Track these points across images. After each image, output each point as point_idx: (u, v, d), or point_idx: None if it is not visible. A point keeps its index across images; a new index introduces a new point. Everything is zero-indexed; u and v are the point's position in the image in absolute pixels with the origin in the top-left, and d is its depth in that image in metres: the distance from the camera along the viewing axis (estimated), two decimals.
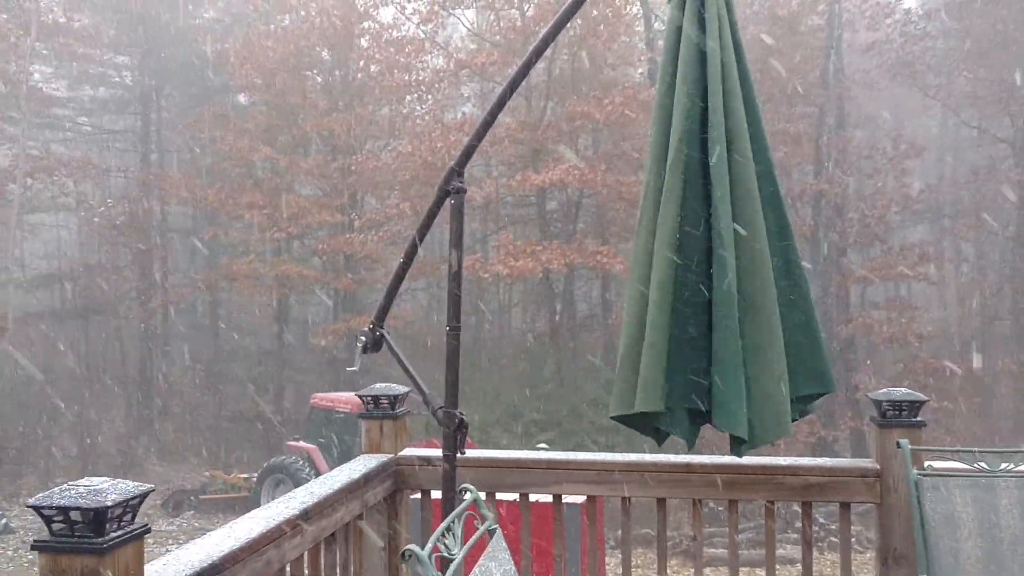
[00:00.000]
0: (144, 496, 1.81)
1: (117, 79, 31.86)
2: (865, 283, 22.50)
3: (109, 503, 1.70)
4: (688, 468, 3.24)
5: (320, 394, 19.30)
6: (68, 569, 1.71)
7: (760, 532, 14.10)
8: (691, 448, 2.66)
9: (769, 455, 3.37)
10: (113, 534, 1.72)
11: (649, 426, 2.59)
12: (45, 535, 1.73)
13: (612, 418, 2.56)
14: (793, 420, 2.50)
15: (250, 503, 17.52)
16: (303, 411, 20.67)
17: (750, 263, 2.40)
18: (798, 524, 14.76)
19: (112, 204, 27.63)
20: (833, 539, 14.37)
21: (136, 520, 1.81)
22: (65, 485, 1.77)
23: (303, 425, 19.45)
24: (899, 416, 3.08)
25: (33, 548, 1.74)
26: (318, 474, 16.66)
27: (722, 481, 3.19)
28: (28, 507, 1.77)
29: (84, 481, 1.79)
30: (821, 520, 14.92)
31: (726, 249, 2.39)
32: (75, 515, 1.70)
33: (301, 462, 17.50)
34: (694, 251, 2.44)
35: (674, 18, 2.55)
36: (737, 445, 2.45)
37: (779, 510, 3.17)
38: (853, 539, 3.38)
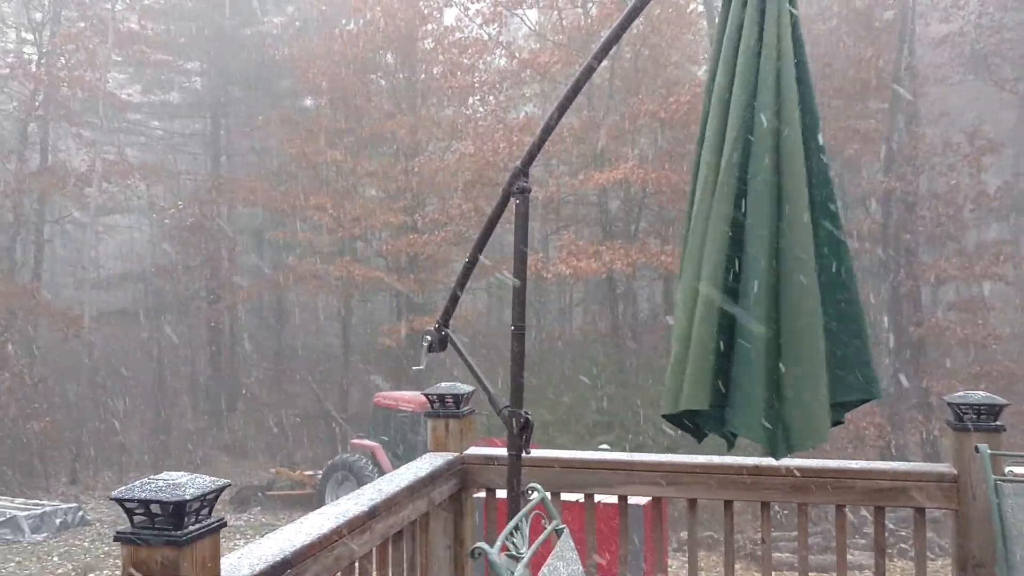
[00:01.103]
0: (220, 491, 1.85)
1: (188, 84, 32.73)
2: (938, 284, 21.87)
3: (188, 497, 1.75)
4: (756, 471, 3.19)
5: (384, 393, 19.52)
6: (148, 560, 1.75)
7: (826, 537, 13.82)
8: (730, 449, 2.63)
9: (839, 458, 3.30)
10: (191, 527, 1.77)
11: (692, 424, 2.58)
12: (126, 527, 1.78)
13: (663, 416, 2.55)
14: (832, 425, 2.45)
15: (315, 500, 17.81)
16: (367, 409, 20.92)
17: (795, 267, 2.36)
18: (866, 530, 14.45)
19: (183, 206, 28.36)
20: (903, 546, 14.01)
21: (212, 514, 1.85)
22: (146, 479, 1.81)
23: (367, 423, 19.70)
24: (977, 420, 2.99)
25: (116, 539, 1.79)
26: (381, 472, 16.86)
27: (791, 484, 3.14)
28: (111, 499, 1.82)
29: (163, 475, 1.83)
30: (890, 526, 14.57)
31: (766, 249, 2.36)
32: (155, 508, 1.75)
33: (365, 460, 17.72)
34: (741, 252, 2.41)
35: (733, 11, 2.52)
36: (773, 447, 2.41)
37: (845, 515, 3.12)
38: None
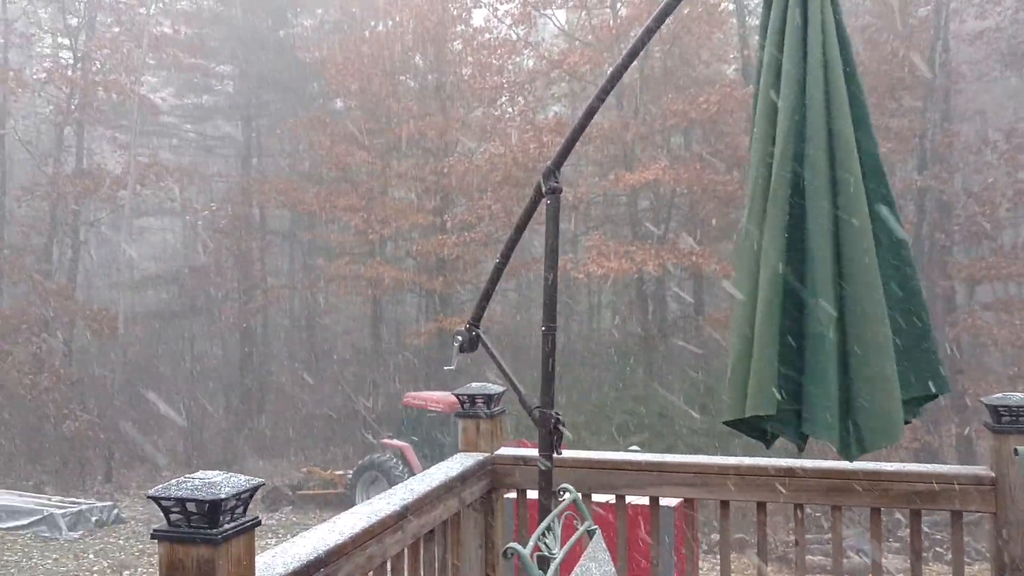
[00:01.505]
0: (255, 490, 1.86)
1: (220, 87, 33.08)
2: (973, 283, 21.54)
3: (223, 496, 1.76)
4: (789, 472, 3.17)
5: (413, 393, 19.60)
6: (185, 558, 1.77)
7: (858, 540, 13.67)
8: (801, 452, 2.60)
9: (874, 460, 3.26)
10: (226, 525, 1.78)
11: (758, 429, 2.55)
12: (163, 525, 1.80)
13: (724, 423, 2.52)
14: (906, 423, 2.41)
15: (345, 500, 17.92)
16: (396, 409, 21.01)
17: (857, 264, 2.33)
18: (899, 532, 14.27)
19: (215, 208, 28.67)
20: (938, 549, 13.82)
21: (247, 513, 1.87)
22: (182, 478, 1.83)
23: (396, 423, 19.78)
24: (1016, 422, 2.94)
25: (153, 537, 1.81)
26: (411, 472, 16.93)
27: (825, 486, 3.11)
28: (148, 498, 1.85)
29: (199, 474, 1.85)
30: (925, 529, 14.36)
31: (830, 250, 2.34)
32: (191, 507, 1.76)
33: (395, 460, 17.80)
34: (800, 251, 2.38)
35: (777, 10, 2.49)
36: (845, 448, 2.38)
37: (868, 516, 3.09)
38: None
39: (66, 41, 28.32)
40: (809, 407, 2.38)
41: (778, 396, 2.34)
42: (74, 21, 27.50)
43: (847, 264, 2.34)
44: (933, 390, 2.48)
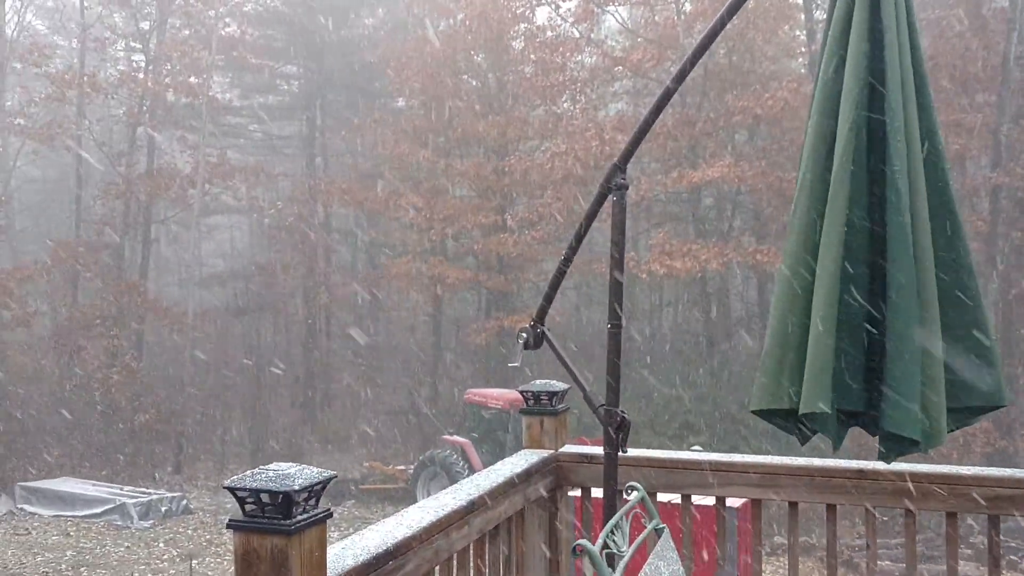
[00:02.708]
0: (327, 482, 1.89)
1: (285, 87, 33.69)
2: None
3: (296, 487, 1.79)
4: (860, 474, 3.09)
5: (473, 390, 19.70)
6: (259, 548, 1.81)
7: (928, 546, 13.33)
8: (836, 450, 2.54)
9: (949, 464, 3.17)
10: (299, 517, 1.81)
11: (792, 424, 2.49)
12: (238, 515, 1.84)
13: (753, 412, 2.48)
14: (951, 430, 2.34)
15: (406, 495, 18.09)
16: (457, 405, 21.14)
17: (916, 262, 2.27)
18: (972, 539, 13.86)
19: (281, 206, 29.20)
20: (1013, 557, 13.41)
21: (319, 505, 1.89)
22: (256, 469, 1.87)
23: (457, 420, 19.90)
24: None
25: (228, 527, 1.84)
26: (471, 468, 17.03)
27: (898, 490, 3.03)
28: (224, 488, 1.89)
29: (273, 466, 1.89)
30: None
31: (893, 246, 2.28)
32: (265, 497, 1.79)
33: (455, 456, 17.91)
34: (859, 247, 2.33)
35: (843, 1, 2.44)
36: (888, 451, 2.32)
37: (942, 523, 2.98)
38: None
39: (138, 45, 29.13)
40: (861, 406, 2.33)
41: (831, 395, 2.28)
42: (145, 25, 28.26)
43: (906, 264, 2.28)
44: (989, 401, 2.39)
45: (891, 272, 2.30)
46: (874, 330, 2.32)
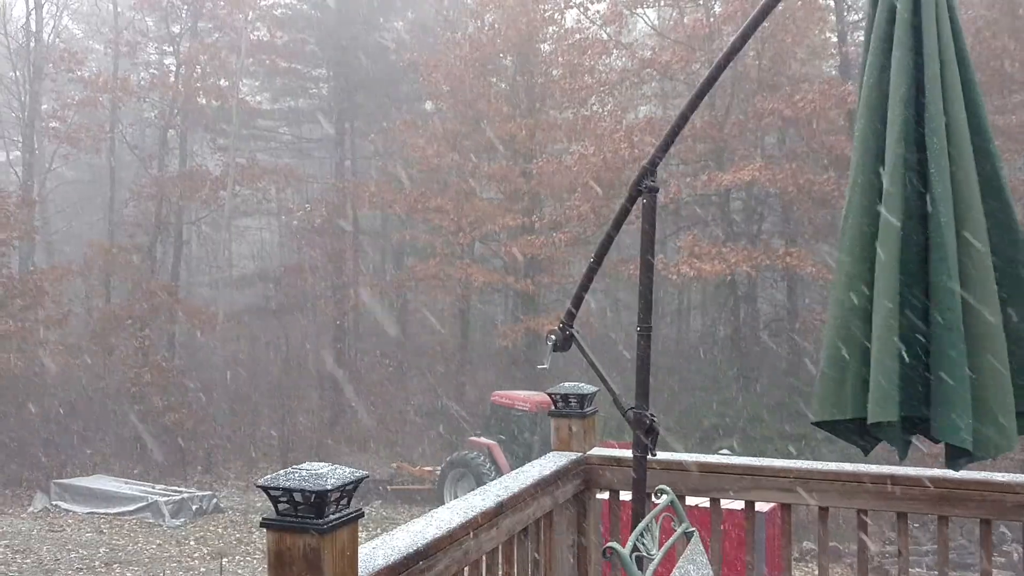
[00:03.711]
0: (359, 482, 1.91)
1: (314, 90, 33.90)
2: None
3: (329, 487, 1.81)
4: (892, 480, 3.07)
5: (500, 392, 19.71)
6: (292, 546, 1.83)
7: (961, 553, 13.14)
8: (903, 459, 2.50)
9: (981, 470, 3.13)
10: (332, 516, 1.83)
11: (854, 433, 2.47)
12: (271, 514, 1.86)
13: (814, 424, 2.46)
14: (1021, 434, 2.31)
15: (433, 496, 18.13)
16: (484, 407, 21.17)
17: (974, 264, 2.24)
18: (1006, 547, 13.67)
19: (309, 209, 29.41)
20: None
21: (351, 504, 1.91)
22: (289, 468, 1.89)
23: (484, 421, 19.93)
24: None
25: (262, 525, 1.87)
26: (498, 470, 17.04)
27: (932, 495, 3.00)
28: (257, 487, 1.91)
29: (305, 465, 1.91)
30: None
31: (947, 249, 2.25)
32: (298, 496, 1.82)
33: (482, 458, 17.93)
34: (914, 251, 2.30)
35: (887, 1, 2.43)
36: (955, 458, 2.30)
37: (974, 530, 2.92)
38: None
39: (169, 48, 29.47)
40: (927, 412, 2.30)
41: (899, 404, 2.25)
42: (176, 29, 28.57)
43: (962, 265, 2.25)
44: None
45: (942, 279, 2.27)
46: (930, 337, 2.29)
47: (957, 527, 12.78)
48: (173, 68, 28.76)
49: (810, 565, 13.02)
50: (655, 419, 2.87)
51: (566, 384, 3.63)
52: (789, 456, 17.46)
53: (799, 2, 20.83)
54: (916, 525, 14.05)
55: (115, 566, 14.75)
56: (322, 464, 1.91)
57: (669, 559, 2.20)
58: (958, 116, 2.31)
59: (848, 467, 3.18)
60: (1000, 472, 3.08)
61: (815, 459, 3.41)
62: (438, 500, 17.37)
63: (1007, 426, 2.24)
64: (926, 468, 3.12)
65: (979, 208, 2.29)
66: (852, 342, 2.33)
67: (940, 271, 2.25)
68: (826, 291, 19.88)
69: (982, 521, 3.00)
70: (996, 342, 2.24)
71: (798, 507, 3.29)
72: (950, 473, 2.96)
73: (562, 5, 24.74)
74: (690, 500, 3.43)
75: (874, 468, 3.14)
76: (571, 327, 3.25)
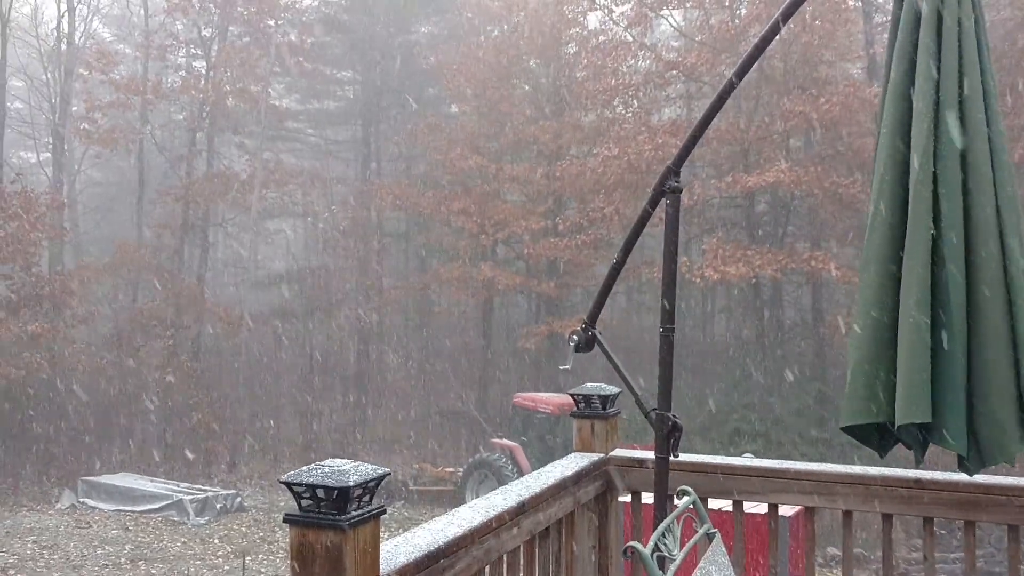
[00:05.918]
0: (382, 479, 1.91)
1: (341, 93, 34.11)
2: None
3: (351, 483, 1.82)
4: (918, 484, 3.03)
5: (523, 393, 19.71)
6: (315, 542, 1.84)
7: (988, 561, 12.97)
8: (919, 464, 2.49)
9: (1010, 474, 3.09)
10: (354, 512, 1.84)
11: (875, 437, 2.46)
12: (294, 510, 1.87)
13: (842, 429, 2.44)
14: None
15: (455, 497, 18.16)
16: (506, 409, 21.18)
17: (982, 270, 2.23)
18: None
19: (335, 211, 29.57)
20: None
21: (373, 501, 1.92)
22: (313, 465, 1.90)
23: (506, 423, 19.93)
24: None
25: (285, 521, 1.88)
26: (520, 471, 17.03)
27: (957, 500, 2.97)
28: (281, 483, 1.92)
29: (328, 462, 1.91)
30: None
31: (957, 257, 2.24)
32: (321, 493, 1.82)
33: (504, 459, 17.94)
34: (944, 257, 2.28)
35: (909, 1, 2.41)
36: (965, 462, 2.28)
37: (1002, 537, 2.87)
38: None
39: (199, 51, 29.75)
40: (940, 417, 2.28)
41: (929, 405, 2.24)
42: (207, 32, 28.84)
43: (969, 272, 2.24)
44: None
45: (951, 285, 2.26)
46: (957, 342, 2.28)
47: (985, 534, 12.61)
48: (203, 71, 29.03)
49: (835, 571, 12.90)
50: (678, 420, 2.86)
51: (588, 385, 3.62)
52: (814, 459, 17.31)
53: (825, 4, 20.66)
54: (943, 531, 13.90)
55: (140, 563, 14.89)
56: (344, 461, 1.92)
57: (691, 560, 2.19)
58: (979, 125, 2.29)
59: (873, 471, 3.15)
60: None
61: (842, 463, 3.38)
62: (460, 501, 17.38)
63: (1010, 431, 2.23)
64: (951, 473, 3.08)
65: (995, 213, 2.28)
66: (880, 345, 2.32)
67: (976, 280, 2.23)
68: (852, 294, 19.72)
69: (1010, 527, 2.96)
70: (1005, 351, 2.23)
71: (822, 511, 3.26)
72: (978, 478, 2.93)
73: (586, 7, 24.72)
74: (713, 503, 3.42)
75: (900, 472, 3.11)
76: (593, 328, 3.25)
